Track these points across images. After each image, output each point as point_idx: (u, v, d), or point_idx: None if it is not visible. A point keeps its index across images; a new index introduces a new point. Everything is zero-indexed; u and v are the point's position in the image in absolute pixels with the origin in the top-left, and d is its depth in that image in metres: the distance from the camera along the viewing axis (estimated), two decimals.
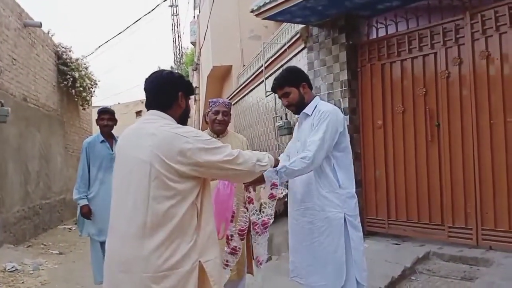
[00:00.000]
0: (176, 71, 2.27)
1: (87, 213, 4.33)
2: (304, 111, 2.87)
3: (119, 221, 1.96)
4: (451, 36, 4.60)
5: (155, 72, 2.15)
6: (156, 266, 1.87)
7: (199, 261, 1.97)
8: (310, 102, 2.87)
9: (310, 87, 2.93)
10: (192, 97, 21.67)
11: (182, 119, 2.15)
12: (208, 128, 3.56)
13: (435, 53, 4.76)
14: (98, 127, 4.53)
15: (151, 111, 2.09)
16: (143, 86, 2.16)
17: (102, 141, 4.41)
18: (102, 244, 4.09)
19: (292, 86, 2.86)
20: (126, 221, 1.92)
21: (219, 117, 3.42)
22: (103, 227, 4.02)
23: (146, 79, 2.14)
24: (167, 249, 1.89)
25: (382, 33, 5.41)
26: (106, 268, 2.01)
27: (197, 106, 18.60)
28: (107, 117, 4.44)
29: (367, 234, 5.34)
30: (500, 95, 4.19)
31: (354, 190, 2.82)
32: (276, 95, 3.06)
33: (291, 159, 2.69)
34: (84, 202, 4.34)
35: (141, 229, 1.88)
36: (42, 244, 8.07)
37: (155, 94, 2.09)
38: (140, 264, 1.87)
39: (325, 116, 2.72)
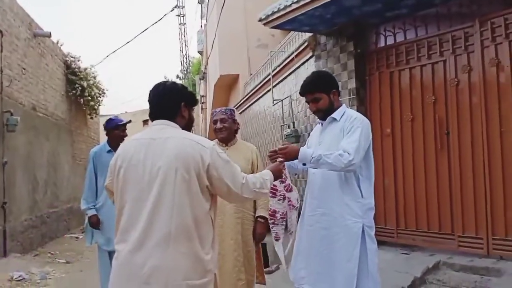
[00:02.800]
0: (179, 82, 2.29)
1: (96, 223, 4.31)
2: (332, 115, 2.86)
3: (136, 231, 1.92)
4: (461, 43, 4.58)
5: (158, 83, 2.18)
6: (181, 274, 1.87)
7: (214, 273, 2.03)
8: (338, 108, 2.87)
9: (339, 94, 2.95)
10: (199, 106, 21.81)
11: (186, 130, 2.17)
12: (216, 139, 3.57)
13: (444, 61, 4.74)
14: (105, 136, 4.53)
15: (158, 120, 2.11)
16: (148, 97, 2.18)
17: (109, 151, 4.39)
18: (110, 253, 4.06)
19: (323, 93, 2.85)
20: (143, 230, 1.89)
21: (218, 125, 3.47)
22: (111, 236, 4.00)
23: (150, 91, 2.17)
24: (190, 260, 1.90)
25: (390, 41, 5.39)
26: (119, 280, 1.95)
27: (204, 115, 18.66)
28: (122, 129, 4.47)
29: (377, 243, 5.28)
30: (510, 102, 4.15)
31: (373, 202, 2.79)
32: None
33: (327, 152, 2.64)
34: (92, 212, 4.33)
35: (165, 237, 1.88)
36: (49, 253, 8.08)
37: (158, 105, 2.12)
38: (165, 273, 1.86)
39: (358, 123, 2.73)
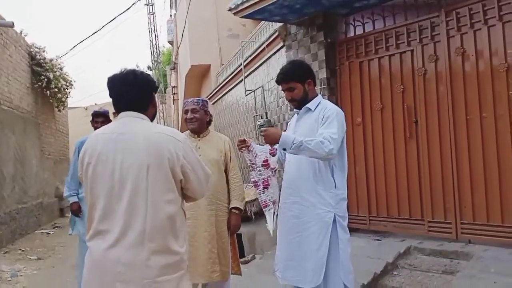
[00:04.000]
0: (143, 70, 2.22)
1: (76, 210, 4.40)
2: (307, 105, 2.87)
3: (111, 229, 1.88)
4: (427, 33, 4.67)
5: (125, 72, 2.04)
6: (156, 271, 1.86)
7: (187, 264, 2.01)
8: (313, 98, 2.88)
9: (315, 84, 2.94)
10: (171, 97, 21.52)
11: (153, 119, 2.14)
12: (188, 130, 3.54)
13: (412, 51, 4.82)
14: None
15: (126, 112, 2.02)
16: (113, 87, 2.05)
17: None
18: None
19: (298, 82, 2.86)
20: (122, 228, 1.86)
21: (188, 115, 3.43)
22: None
23: (115, 80, 2.03)
24: (167, 254, 1.90)
25: (359, 31, 5.45)
26: (93, 276, 1.92)
27: (175, 106, 18.48)
28: (101, 120, 4.44)
29: (349, 230, 5.37)
30: (475, 91, 4.27)
31: (346, 193, 2.84)
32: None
33: (308, 138, 2.65)
34: (74, 199, 4.43)
35: (140, 235, 1.85)
36: (20, 249, 7.89)
37: (129, 96, 2.01)
38: (140, 271, 1.85)
39: (333, 113, 2.74)
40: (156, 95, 2.27)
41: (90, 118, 4.57)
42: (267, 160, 2.92)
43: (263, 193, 2.95)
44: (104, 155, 1.92)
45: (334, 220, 2.72)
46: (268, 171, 2.94)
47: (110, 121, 4.45)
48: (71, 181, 4.49)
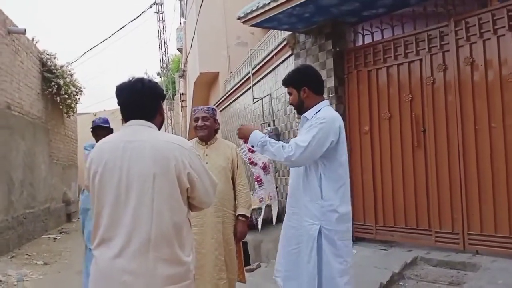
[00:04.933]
0: (151, 79, 2.24)
1: None
2: (304, 114, 2.84)
3: (116, 237, 1.87)
4: (436, 42, 4.66)
5: (133, 81, 2.05)
6: (162, 280, 1.85)
7: (193, 273, 2.01)
8: (313, 106, 2.80)
9: (316, 91, 2.83)
10: (179, 104, 21.57)
11: (160, 127, 2.14)
12: (196, 137, 3.56)
13: (421, 60, 4.81)
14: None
15: (134, 121, 2.02)
16: (121, 96, 2.05)
17: None
18: None
19: (294, 88, 2.83)
20: (127, 236, 1.85)
21: (199, 123, 3.45)
22: None
23: (123, 88, 2.05)
24: (171, 265, 1.88)
25: (368, 39, 5.46)
26: (98, 286, 1.92)
27: (183, 113, 18.55)
28: (104, 133, 4.00)
29: (355, 240, 5.35)
30: (484, 101, 4.25)
31: (340, 204, 2.68)
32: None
33: (277, 142, 2.67)
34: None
35: (145, 244, 1.84)
36: (26, 254, 7.93)
37: (137, 104, 2.02)
38: (146, 280, 1.84)
39: (319, 122, 2.66)
40: (164, 103, 2.28)
41: (91, 127, 4.30)
42: (250, 158, 2.98)
43: (258, 189, 3.02)
44: (111, 163, 1.92)
45: (320, 233, 2.64)
46: (257, 168, 3.01)
47: (111, 131, 4.20)
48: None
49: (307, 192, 2.71)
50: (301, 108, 2.84)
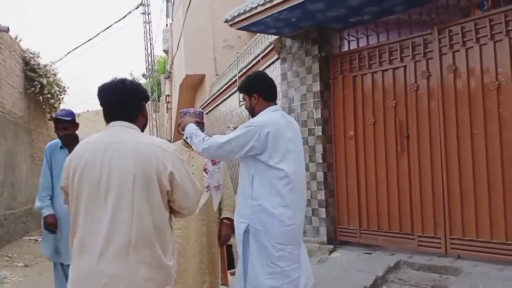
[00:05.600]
0: (134, 80, 2.22)
1: (52, 224, 3.69)
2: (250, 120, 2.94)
3: (95, 239, 1.84)
4: (420, 50, 4.73)
5: (115, 82, 2.04)
6: (142, 284, 1.83)
7: (174, 278, 1.98)
8: (259, 113, 2.88)
9: (266, 98, 2.88)
10: (164, 105, 21.42)
11: (143, 128, 2.13)
12: (182, 139, 3.55)
13: (405, 67, 4.88)
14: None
15: (117, 122, 2.00)
16: (103, 97, 2.04)
17: (61, 147, 3.81)
18: (63, 265, 3.72)
19: (246, 94, 2.93)
20: (106, 238, 1.82)
21: None
22: (58, 245, 3.70)
23: (105, 89, 2.03)
24: (154, 267, 1.86)
25: (353, 45, 5.52)
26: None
27: (169, 115, 18.47)
28: (61, 126, 3.72)
29: (339, 243, 5.40)
30: (466, 108, 4.33)
31: (275, 207, 2.67)
32: None
33: (202, 135, 2.89)
34: (49, 211, 3.71)
35: (125, 247, 1.81)
36: (7, 256, 7.78)
37: (119, 105, 2.01)
38: (125, 283, 1.81)
39: (247, 124, 2.79)
40: (149, 104, 2.27)
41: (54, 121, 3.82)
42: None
43: (206, 177, 3.19)
44: (91, 163, 1.90)
45: (248, 231, 2.68)
46: (204, 158, 3.15)
47: (76, 126, 3.80)
48: (42, 190, 3.79)
49: (241, 191, 2.80)
50: (252, 113, 2.94)
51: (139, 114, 2.06)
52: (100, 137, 2.00)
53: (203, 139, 2.80)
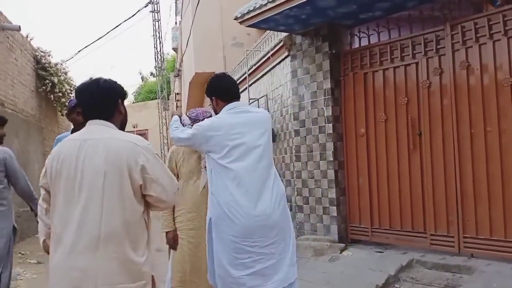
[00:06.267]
0: (109, 78, 2.21)
1: None
2: None
3: (67, 234, 1.91)
4: (432, 46, 4.68)
5: (89, 82, 2.10)
6: (112, 278, 1.87)
7: (152, 275, 2.02)
8: None
9: (224, 99, 2.96)
10: (174, 103, 21.42)
11: (122, 125, 2.17)
12: None
13: (417, 63, 4.83)
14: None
15: (94, 120, 2.06)
16: (79, 97, 2.12)
17: None
18: None
19: (209, 98, 3.07)
20: (76, 233, 1.88)
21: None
22: None
23: (81, 90, 2.10)
24: (121, 263, 1.89)
25: (364, 42, 5.47)
26: (53, 283, 1.94)
27: (178, 113, 18.49)
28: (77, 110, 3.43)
29: (351, 242, 5.37)
30: (480, 104, 4.27)
31: (223, 199, 2.76)
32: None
33: (180, 126, 3.13)
34: None
35: (94, 241, 1.87)
36: (20, 253, 7.87)
37: (94, 104, 2.06)
38: (95, 277, 1.85)
39: (197, 125, 2.96)
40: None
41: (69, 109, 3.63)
42: None
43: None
44: (67, 161, 1.97)
45: (211, 224, 2.84)
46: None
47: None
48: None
49: (210, 186, 2.89)
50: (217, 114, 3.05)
51: (115, 111, 2.10)
52: (77, 135, 2.08)
53: (176, 127, 3.07)
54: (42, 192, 2.19)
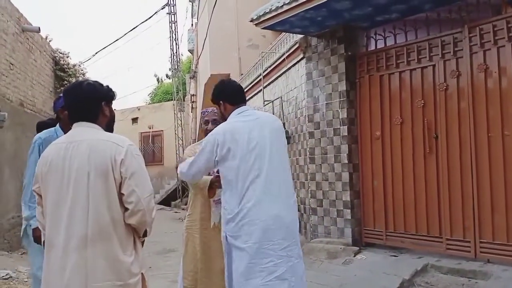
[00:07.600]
0: (95, 81, 2.23)
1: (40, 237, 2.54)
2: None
3: (58, 235, 1.95)
4: (450, 49, 4.63)
5: (74, 85, 2.17)
6: (101, 276, 1.90)
7: (142, 273, 2.04)
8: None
9: (232, 102, 2.91)
10: (189, 105, 21.53)
11: (109, 127, 2.19)
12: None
13: (434, 66, 4.79)
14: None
15: (79, 123, 2.10)
16: (65, 100, 2.18)
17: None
18: None
19: (216, 104, 2.98)
20: (66, 234, 1.93)
21: (209, 126, 3.44)
22: None
23: (67, 93, 2.16)
24: (110, 262, 1.93)
25: (380, 44, 5.44)
26: (47, 285, 1.98)
27: (194, 114, 18.59)
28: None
29: (365, 245, 5.33)
30: (498, 108, 4.21)
31: (238, 208, 2.67)
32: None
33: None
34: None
35: (82, 240, 1.91)
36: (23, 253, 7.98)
37: (78, 108, 2.10)
38: (84, 276, 1.89)
39: (205, 140, 2.85)
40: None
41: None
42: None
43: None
44: (54, 164, 2.01)
45: (226, 239, 2.74)
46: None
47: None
48: (31, 196, 2.94)
49: (223, 202, 2.82)
50: (225, 120, 2.96)
51: (99, 113, 2.13)
52: (64, 138, 2.12)
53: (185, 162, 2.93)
54: (36, 196, 2.18)
